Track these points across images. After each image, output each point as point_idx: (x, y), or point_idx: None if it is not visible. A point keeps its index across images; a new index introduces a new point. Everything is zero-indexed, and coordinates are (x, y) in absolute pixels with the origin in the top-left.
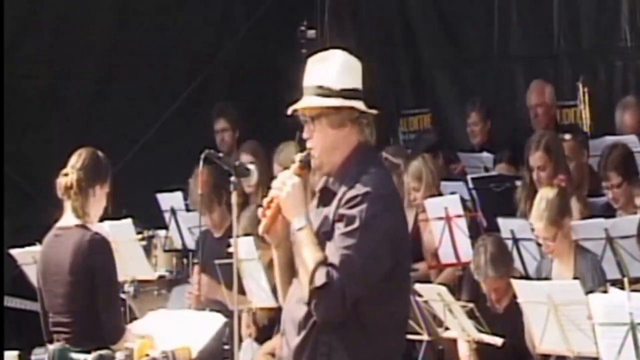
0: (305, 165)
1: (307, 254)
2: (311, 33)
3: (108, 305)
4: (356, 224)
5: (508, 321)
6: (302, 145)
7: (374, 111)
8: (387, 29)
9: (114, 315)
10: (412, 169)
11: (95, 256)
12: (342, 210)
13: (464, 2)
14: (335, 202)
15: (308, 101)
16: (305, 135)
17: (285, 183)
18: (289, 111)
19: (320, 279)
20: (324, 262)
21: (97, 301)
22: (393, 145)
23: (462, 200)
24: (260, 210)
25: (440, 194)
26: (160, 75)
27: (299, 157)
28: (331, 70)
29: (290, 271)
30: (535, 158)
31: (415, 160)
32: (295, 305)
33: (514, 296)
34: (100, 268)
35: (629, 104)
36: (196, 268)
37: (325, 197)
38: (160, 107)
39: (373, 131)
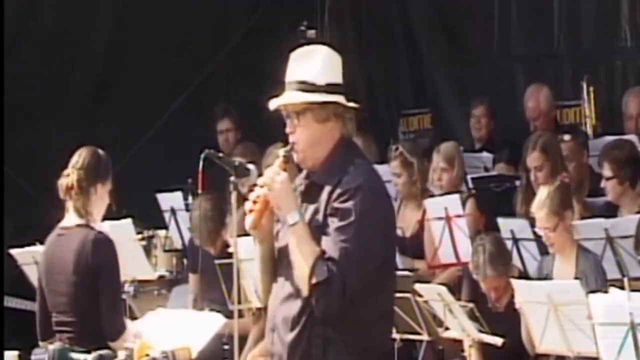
0: (289, 159)
1: (304, 249)
2: (311, 33)
3: (110, 303)
4: (352, 218)
5: (509, 320)
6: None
7: (356, 105)
8: (387, 29)
9: (116, 313)
10: (444, 150)
11: (99, 255)
12: (335, 204)
13: (464, 2)
14: (324, 196)
15: (293, 96)
16: (288, 130)
17: (274, 180)
18: (272, 106)
19: (321, 274)
20: (322, 256)
21: (100, 299)
22: (409, 142)
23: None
24: (247, 206)
25: (460, 192)
26: (160, 75)
27: (282, 151)
28: (315, 65)
29: (272, 264)
30: (532, 158)
31: (449, 143)
32: (285, 301)
33: (514, 295)
34: (103, 266)
35: (634, 90)
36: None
37: (311, 191)
38: (160, 107)
39: (354, 126)
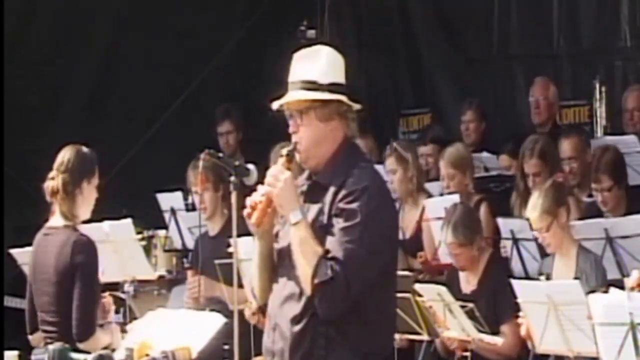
0: (292, 158)
1: (307, 249)
2: (311, 33)
3: (82, 303)
4: (357, 219)
5: (478, 297)
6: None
7: (358, 105)
8: (387, 29)
9: (86, 314)
10: (449, 155)
11: (77, 256)
12: (341, 205)
13: (464, 2)
14: (329, 197)
15: (296, 95)
16: (291, 129)
17: (278, 178)
18: (275, 106)
19: (324, 273)
20: (325, 256)
21: (73, 299)
22: (403, 141)
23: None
24: (248, 202)
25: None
26: (160, 75)
27: (285, 151)
28: (318, 65)
29: (270, 261)
30: (530, 165)
31: (454, 146)
32: (287, 301)
33: (483, 276)
34: (80, 267)
35: (633, 87)
36: (190, 272)
37: (314, 191)
38: (160, 107)
39: (357, 126)
